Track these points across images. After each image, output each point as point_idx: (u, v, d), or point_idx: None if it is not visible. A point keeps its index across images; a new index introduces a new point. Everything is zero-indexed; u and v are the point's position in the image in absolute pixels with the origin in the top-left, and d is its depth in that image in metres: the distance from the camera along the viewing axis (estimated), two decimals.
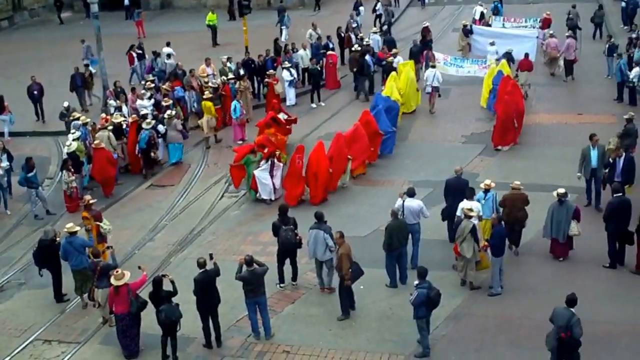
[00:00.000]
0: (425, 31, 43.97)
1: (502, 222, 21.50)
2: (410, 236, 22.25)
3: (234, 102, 33.27)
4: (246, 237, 25.40)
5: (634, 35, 39.30)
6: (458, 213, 22.27)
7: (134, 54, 43.18)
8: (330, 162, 27.55)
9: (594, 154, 25.40)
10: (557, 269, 22.28)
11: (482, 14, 48.31)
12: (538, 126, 33.36)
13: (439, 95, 36.72)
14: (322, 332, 20.04)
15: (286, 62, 38.36)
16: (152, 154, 30.84)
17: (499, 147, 30.98)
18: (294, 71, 38.11)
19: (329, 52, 41.44)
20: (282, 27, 51.59)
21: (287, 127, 32.20)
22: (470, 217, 21.19)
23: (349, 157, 28.44)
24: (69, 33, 56.58)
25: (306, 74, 40.27)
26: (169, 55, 42.10)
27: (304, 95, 38.85)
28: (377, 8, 51.76)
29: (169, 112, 32.49)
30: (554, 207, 22.62)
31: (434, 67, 36.71)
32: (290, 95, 38.12)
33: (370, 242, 23.99)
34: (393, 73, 35.89)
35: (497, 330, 19.76)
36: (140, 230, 26.49)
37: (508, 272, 21.76)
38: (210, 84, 35.86)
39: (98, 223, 23.24)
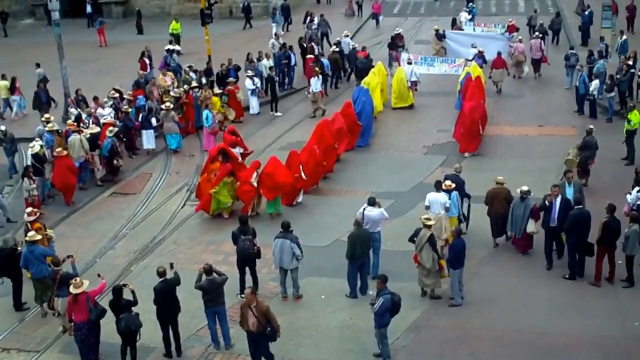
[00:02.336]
0: (398, 38, 45.41)
1: (461, 235, 21.59)
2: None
3: (206, 112, 33.31)
4: (208, 247, 25.32)
5: (598, 48, 39.81)
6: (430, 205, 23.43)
7: (147, 61, 42.71)
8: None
9: (569, 192, 23.58)
10: (518, 280, 22.41)
11: (454, 20, 50.57)
12: (499, 138, 33.58)
13: (416, 89, 39.39)
14: (283, 341, 19.88)
15: (249, 71, 38.33)
16: (115, 162, 30.74)
17: (466, 154, 31.43)
18: (257, 80, 38.08)
19: (309, 56, 42.17)
20: (273, 24, 52.99)
21: (239, 162, 28.91)
22: (429, 226, 21.30)
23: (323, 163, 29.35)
24: (30, 40, 56.19)
25: (269, 84, 40.39)
26: (174, 52, 43.33)
27: (267, 104, 38.78)
28: (314, 21, 51.70)
29: (167, 104, 33.96)
30: (515, 203, 23.42)
31: (410, 63, 39.36)
32: (253, 104, 38.13)
33: (331, 251, 24.09)
34: (373, 69, 38.14)
35: (458, 341, 19.82)
36: (101, 238, 26.29)
37: (469, 284, 21.89)
38: (172, 93, 35.79)
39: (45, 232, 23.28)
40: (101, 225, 27.37)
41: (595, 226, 22.06)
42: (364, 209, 22.60)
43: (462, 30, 47.96)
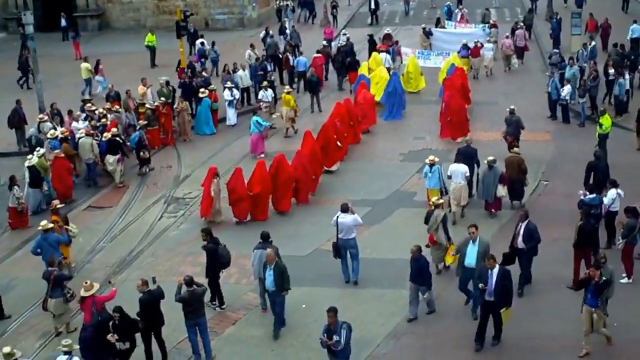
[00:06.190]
0: (387, 37, 47.91)
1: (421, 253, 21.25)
2: (347, 252, 22.65)
3: (256, 117, 33.54)
4: (186, 258, 25.21)
5: (570, 55, 40.33)
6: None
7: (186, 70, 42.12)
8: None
9: (471, 250, 20.77)
10: None
11: (437, 19, 53.53)
12: (474, 143, 33.38)
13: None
14: (264, 352, 20.04)
15: (228, 82, 38.30)
16: (142, 154, 32.19)
17: (459, 139, 32.89)
18: (235, 91, 38.07)
19: (315, 55, 43.35)
20: (285, 19, 54.97)
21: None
22: (440, 205, 22.79)
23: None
24: (3, 55, 55.73)
25: (245, 94, 40.34)
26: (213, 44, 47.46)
27: (244, 115, 38.63)
28: (286, 32, 52.42)
29: (141, 122, 34.41)
30: (484, 172, 26.63)
31: (383, 51, 43.29)
32: (230, 115, 37.99)
33: (311, 261, 24.18)
34: (364, 63, 41.96)
35: (437, 348, 19.92)
36: (78, 252, 25.98)
37: (448, 291, 22.03)
38: (147, 105, 35.52)
39: (66, 227, 24.05)
40: (78, 239, 27.13)
41: (571, 229, 22.32)
42: (338, 217, 22.73)
43: (445, 28, 50.98)
